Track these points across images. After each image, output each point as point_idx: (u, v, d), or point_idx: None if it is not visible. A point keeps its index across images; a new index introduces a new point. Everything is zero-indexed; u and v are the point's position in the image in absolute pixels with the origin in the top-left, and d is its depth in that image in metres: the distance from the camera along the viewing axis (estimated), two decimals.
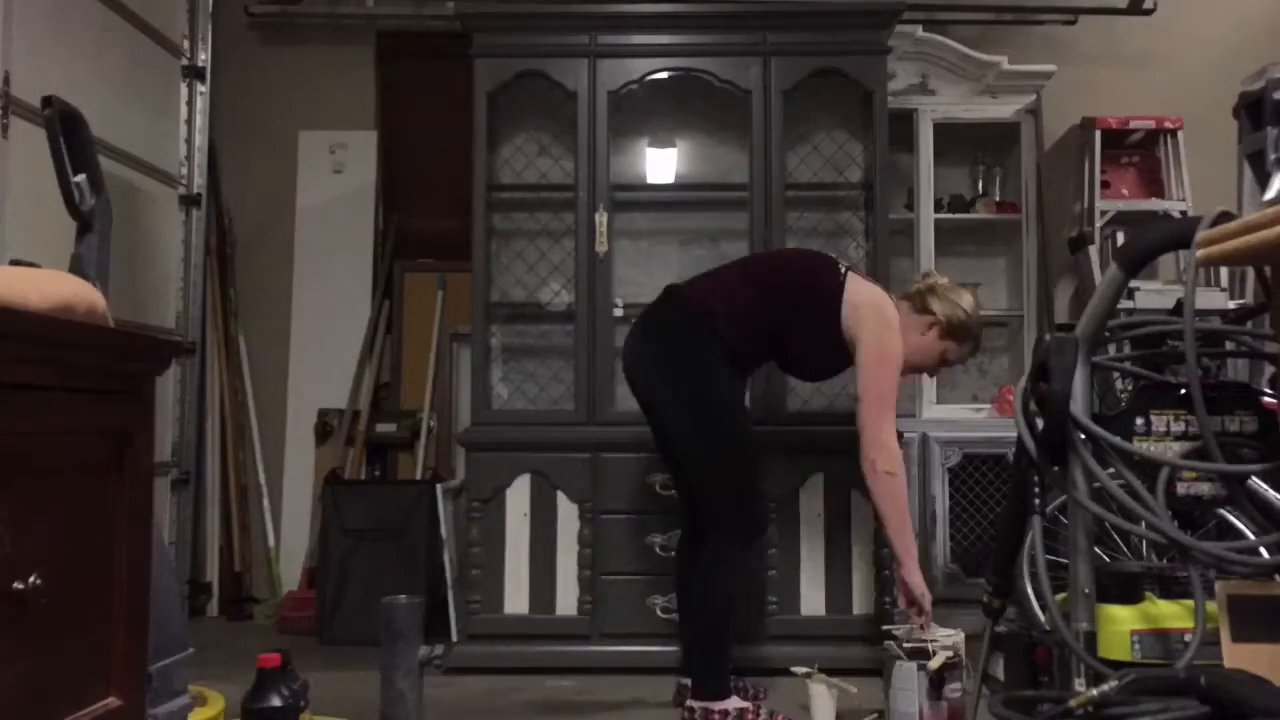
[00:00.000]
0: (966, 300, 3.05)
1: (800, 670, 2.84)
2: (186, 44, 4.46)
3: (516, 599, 3.54)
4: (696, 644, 2.96)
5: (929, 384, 4.25)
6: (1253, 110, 3.81)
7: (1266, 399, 2.05)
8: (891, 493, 2.86)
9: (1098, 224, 4.38)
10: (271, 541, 4.60)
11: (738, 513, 2.90)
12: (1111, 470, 2.01)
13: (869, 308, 2.94)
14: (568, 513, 3.54)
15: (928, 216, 4.30)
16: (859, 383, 2.90)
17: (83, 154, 2.67)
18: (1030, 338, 4.32)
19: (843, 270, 3.03)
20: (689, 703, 2.90)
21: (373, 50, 4.89)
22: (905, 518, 2.89)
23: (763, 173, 3.67)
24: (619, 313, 3.81)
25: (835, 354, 2.99)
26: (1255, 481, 2.30)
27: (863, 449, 2.87)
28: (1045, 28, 4.78)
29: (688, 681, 2.96)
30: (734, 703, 2.87)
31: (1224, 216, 1.89)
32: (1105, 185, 4.50)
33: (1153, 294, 3.87)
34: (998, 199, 4.53)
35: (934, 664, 2.56)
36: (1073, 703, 1.75)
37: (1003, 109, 4.40)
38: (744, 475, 2.93)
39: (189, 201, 4.46)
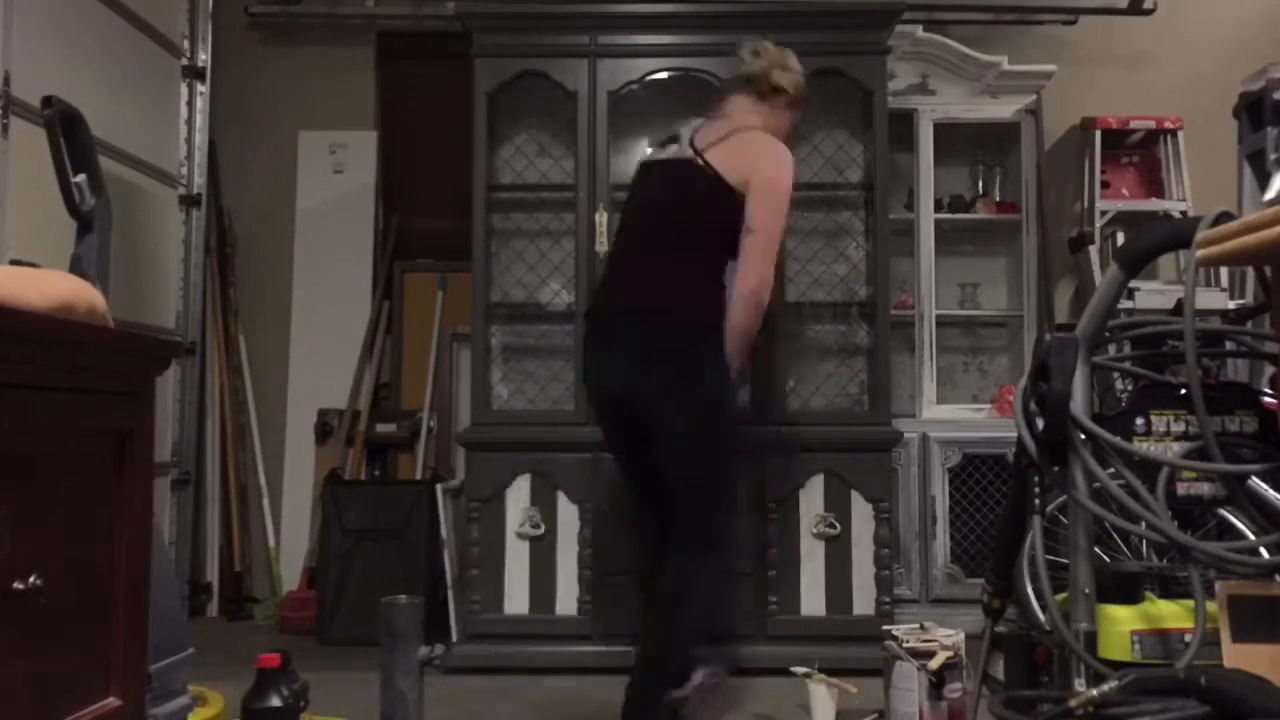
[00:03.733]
0: (792, 59, 2.85)
1: (800, 670, 2.84)
2: (186, 44, 4.46)
3: (516, 599, 3.54)
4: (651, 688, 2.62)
5: (929, 384, 4.25)
6: (1253, 110, 3.82)
7: (1266, 399, 2.05)
8: (759, 309, 2.63)
9: (1098, 224, 4.38)
10: (271, 541, 4.60)
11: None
12: (1111, 470, 2.01)
13: (761, 155, 2.66)
14: (568, 513, 3.54)
15: (928, 216, 4.30)
16: (752, 213, 2.60)
17: (83, 154, 2.68)
18: (1030, 338, 4.32)
19: (696, 153, 2.66)
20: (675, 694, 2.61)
21: (373, 50, 4.89)
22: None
23: None
24: None
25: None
26: (1255, 481, 2.30)
27: (747, 277, 2.59)
28: (1045, 28, 4.78)
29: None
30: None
31: (1224, 216, 1.90)
32: (1105, 185, 4.50)
33: (1153, 294, 3.87)
34: (998, 199, 4.53)
35: (934, 664, 2.56)
36: (1073, 703, 1.75)
37: (1003, 109, 4.40)
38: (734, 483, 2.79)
39: (189, 201, 4.46)
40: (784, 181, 2.67)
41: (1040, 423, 2.06)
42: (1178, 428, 2.04)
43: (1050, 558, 2.10)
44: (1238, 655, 1.87)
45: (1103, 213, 4.40)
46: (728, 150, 2.66)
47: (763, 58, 2.81)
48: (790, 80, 2.82)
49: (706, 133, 2.73)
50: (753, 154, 2.67)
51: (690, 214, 2.67)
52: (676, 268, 2.65)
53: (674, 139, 2.80)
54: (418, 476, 4.49)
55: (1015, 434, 2.11)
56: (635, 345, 2.64)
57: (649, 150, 2.80)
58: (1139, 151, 4.59)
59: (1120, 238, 4.29)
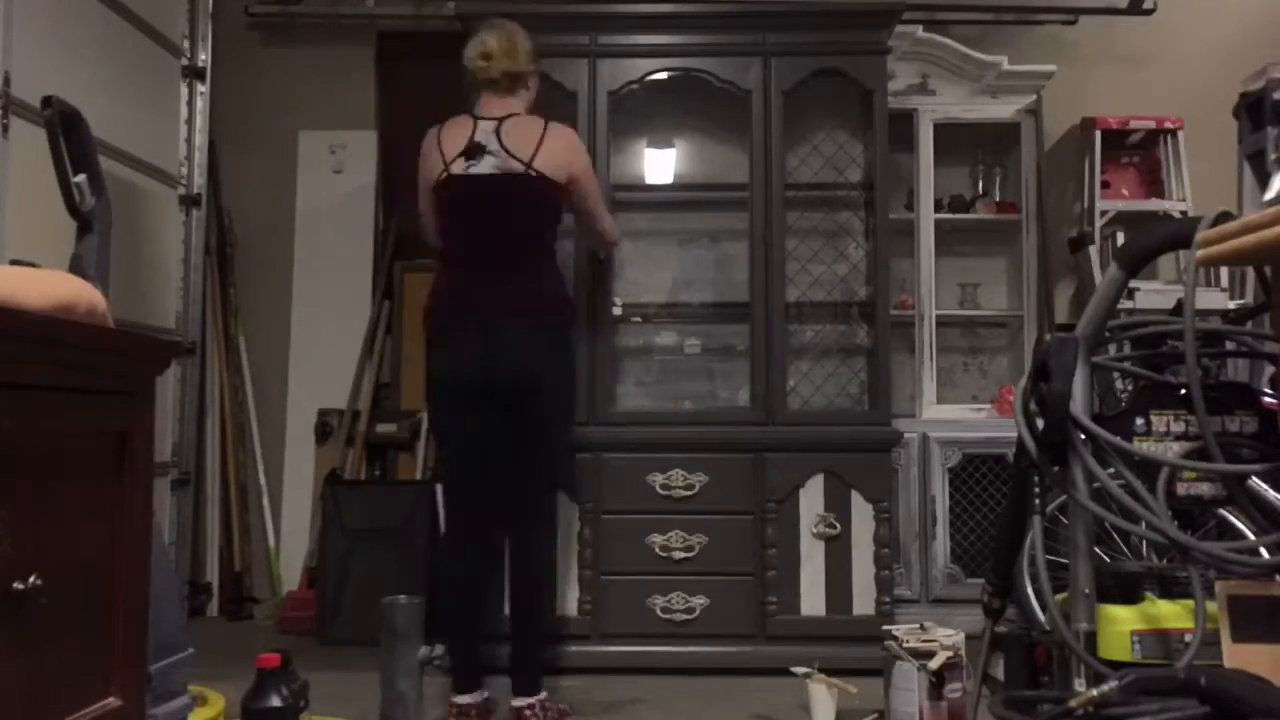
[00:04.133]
0: (516, 36, 3.07)
1: (800, 670, 2.85)
2: (186, 44, 4.46)
3: None
4: (532, 637, 2.96)
5: (929, 384, 4.25)
6: (1253, 110, 3.82)
7: (1266, 399, 2.05)
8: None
9: (1098, 224, 4.38)
10: (271, 541, 4.60)
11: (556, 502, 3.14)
12: (1111, 470, 2.01)
13: (556, 142, 2.99)
14: (569, 513, 3.53)
15: (928, 216, 4.30)
16: (589, 202, 3.12)
17: (83, 154, 2.67)
18: (1030, 338, 4.32)
19: (525, 164, 2.94)
20: (528, 701, 2.87)
21: (373, 50, 4.89)
22: None
23: (763, 173, 3.67)
24: (619, 312, 3.82)
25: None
26: (1255, 481, 2.31)
27: (607, 236, 3.29)
28: (1045, 28, 4.78)
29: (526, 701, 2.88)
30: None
31: (1224, 216, 1.90)
32: (1105, 185, 4.50)
33: (1153, 294, 3.87)
34: (998, 199, 4.52)
35: (934, 664, 2.56)
36: (1073, 703, 1.76)
37: (1003, 109, 4.40)
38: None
39: (189, 201, 4.46)
40: (587, 160, 3.15)
41: (1040, 423, 2.06)
42: (1178, 428, 2.04)
43: (1050, 558, 2.10)
44: (1238, 655, 1.88)
45: (1103, 213, 4.40)
46: (545, 152, 2.95)
47: (499, 57, 3.01)
48: (533, 58, 3.09)
49: (516, 142, 2.95)
50: (563, 149, 3.00)
51: (533, 221, 2.98)
52: (536, 269, 2.98)
53: (480, 149, 2.96)
54: (418, 476, 4.49)
55: (1015, 434, 2.11)
56: (511, 321, 2.91)
57: (458, 162, 2.99)
58: (1139, 151, 4.58)
59: (1120, 238, 4.29)
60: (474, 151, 2.96)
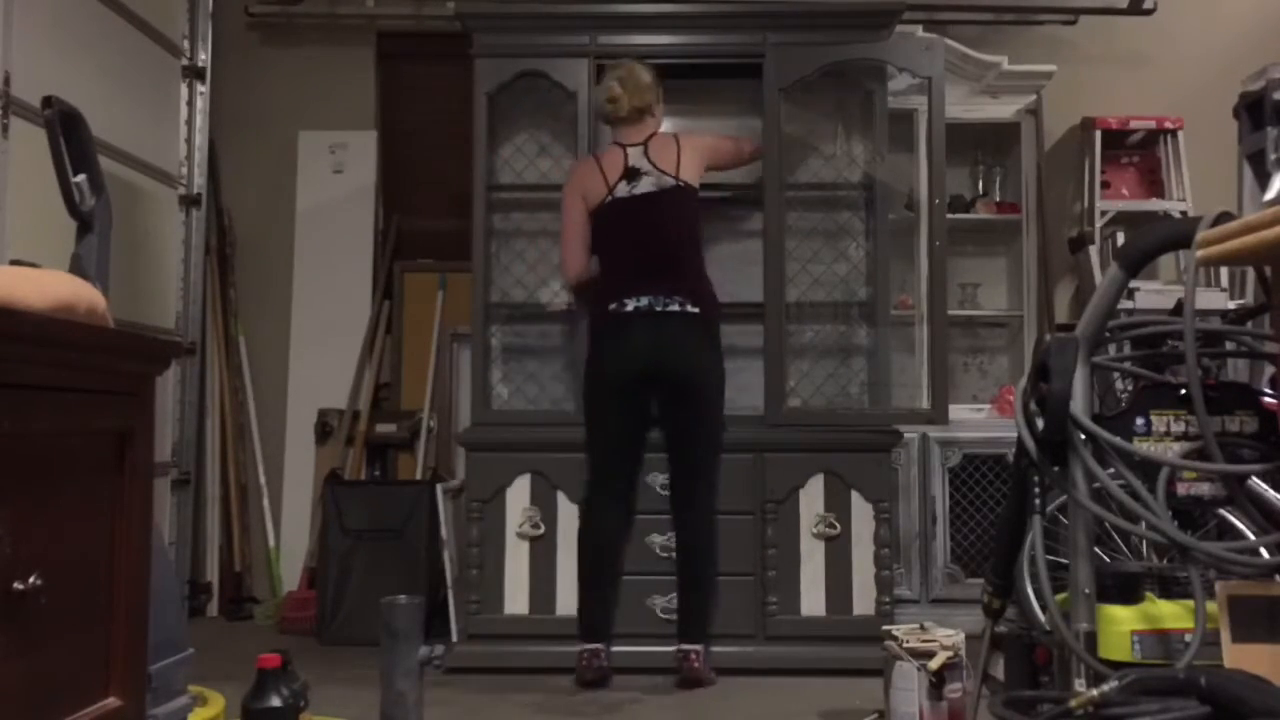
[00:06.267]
0: (639, 74, 3.46)
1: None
2: (186, 44, 4.46)
3: (516, 599, 3.54)
4: (703, 594, 3.32)
5: (928, 384, 4.23)
6: (1253, 110, 3.81)
7: (1266, 399, 2.05)
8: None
9: (1098, 224, 4.38)
10: (271, 541, 4.60)
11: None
12: (1111, 470, 2.01)
13: (688, 149, 3.44)
14: (568, 513, 3.53)
15: (928, 216, 4.28)
16: (721, 148, 3.56)
17: (83, 154, 2.67)
18: (1030, 338, 4.31)
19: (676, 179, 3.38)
20: (694, 647, 3.26)
21: (373, 50, 4.89)
22: None
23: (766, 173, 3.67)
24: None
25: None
26: (1255, 481, 2.31)
27: (755, 155, 3.64)
28: (1045, 28, 4.78)
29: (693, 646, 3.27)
30: None
31: (1224, 216, 1.90)
32: (1105, 185, 4.50)
33: (1153, 294, 3.87)
34: (998, 199, 4.52)
35: (934, 664, 2.56)
36: (1073, 703, 1.76)
37: (1003, 109, 4.40)
38: None
39: (189, 201, 4.46)
40: (708, 135, 3.64)
41: (1040, 423, 2.06)
42: (1178, 428, 2.05)
43: (1050, 558, 2.10)
44: (1238, 655, 1.88)
45: (1103, 213, 4.40)
46: (685, 164, 3.40)
47: (624, 98, 3.41)
48: (654, 89, 3.46)
49: (663, 160, 3.40)
50: (692, 152, 3.44)
51: (688, 228, 3.42)
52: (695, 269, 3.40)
53: (637, 172, 3.39)
54: (418, 476, 4.49)
55: (1015, 434, 2.11)
56: (680, 317, 3.34)
57: (621, 185, 3.39)
58: (1139, 151, 4.58)
59: (1120, 238, 4.29)
60: (633, 175, 3.39)
